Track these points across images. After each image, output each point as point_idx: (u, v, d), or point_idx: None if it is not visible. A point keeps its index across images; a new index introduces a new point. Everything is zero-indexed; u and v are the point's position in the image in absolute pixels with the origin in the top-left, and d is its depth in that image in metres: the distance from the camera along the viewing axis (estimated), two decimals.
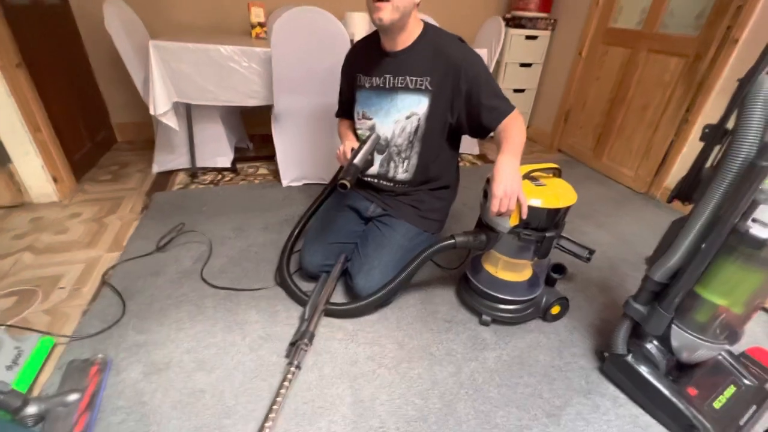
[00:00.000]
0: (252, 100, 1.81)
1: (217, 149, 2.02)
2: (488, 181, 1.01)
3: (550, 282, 1.24)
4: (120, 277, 1.25)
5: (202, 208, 1.69)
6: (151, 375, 0.94)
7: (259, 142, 2.48)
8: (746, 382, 0.88)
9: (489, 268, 1.15)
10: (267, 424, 0.81)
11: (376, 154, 1.20)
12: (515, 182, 0.92)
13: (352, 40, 1.67)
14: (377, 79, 1.14)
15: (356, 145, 1.11)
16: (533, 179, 1.03)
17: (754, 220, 0.71)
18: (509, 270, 1.13)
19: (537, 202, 0.95)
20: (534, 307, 1.15)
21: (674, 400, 0.87)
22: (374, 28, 1.11)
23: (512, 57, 2.70)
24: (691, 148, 1.94)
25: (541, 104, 2.94)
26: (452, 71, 1.06)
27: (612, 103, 2.33)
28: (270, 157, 2.22)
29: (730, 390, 0.88)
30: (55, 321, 1.08)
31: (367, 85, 1.17)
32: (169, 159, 1.99)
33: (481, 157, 2.59)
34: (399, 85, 1.12)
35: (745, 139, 0.69)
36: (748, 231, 0.72)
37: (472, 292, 1.18)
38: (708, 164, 0.85)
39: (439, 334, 1.12)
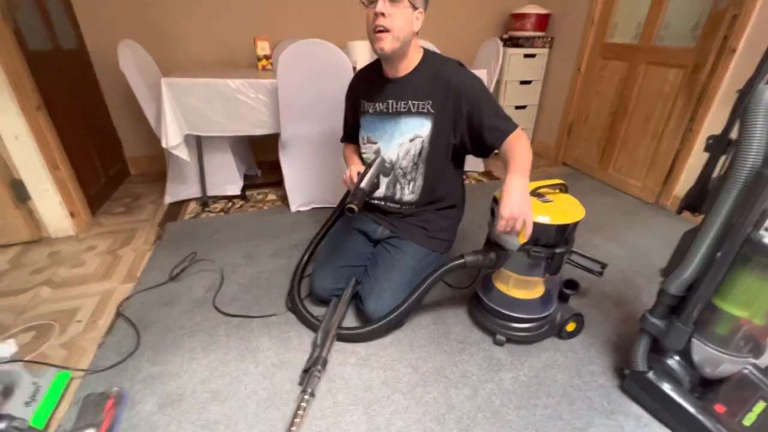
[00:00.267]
0: (260, 129, 1.86)
1: (226, 178, 2.07)
2: (495, 200, 1.02)
3: (563, 298, 1.22)
4: (134, 308, 1.26)
5: (213, 236, 1.72)
6: (166, 407, 0.94)
7: (268, 169, 2.54)
8: None
9: (500, 286, 1.14)
10: None
11: (381, 176, 1.22)
12: (523, 203, 0.91)
13: (354, 68, 1.72)
14: (380, 104, 1.18)
15: (362, 168, 1.13)
16: (540, 196, 1.04)
17: (766, 229, 0.70)
18: (521, 287, 1.12)
19: (545, 219, 0.96)
20: (548, 325, 1.13)
21: (701, 418, 0.84)
22: (376, 56, 1.15)
23: (512, 75, 2.75)
24: (696, 157, 1.93)
25: (543, 119, 2.97)
26: (453, 94, 1.09)
27: (614, 116, 2.34)
28: (278, 183, 2.26)
29: (760, 406, 0.84)
30: (72, 354, 1.09)
31: (370, 111, 1.21)
32: (180, 189, 2.04)
33: (487, 174, 2.61)
34: (402, 110, 1.15)
35: (750, 149, 0.70)
36: (761, 240, 0.71)
37: (485, 311, 1.17)
38: (715, 174, 0.85)
39: (453, 355, 1.11)
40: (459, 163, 1.26)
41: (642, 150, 2.19)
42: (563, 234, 0.99)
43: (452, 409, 0.95)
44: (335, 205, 1.57)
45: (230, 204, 2.07)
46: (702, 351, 0.84)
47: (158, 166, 2.47)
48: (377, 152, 1.21)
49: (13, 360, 1.00)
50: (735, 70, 1.74)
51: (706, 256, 0.79)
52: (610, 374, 1.06)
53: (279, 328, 1.20)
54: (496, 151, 1.11)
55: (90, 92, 2.17)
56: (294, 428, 0.85)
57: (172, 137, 1.71)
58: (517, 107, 2.89)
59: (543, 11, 2.63)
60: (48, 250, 1.60)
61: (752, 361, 0.83)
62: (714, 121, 1.84)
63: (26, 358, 1.06)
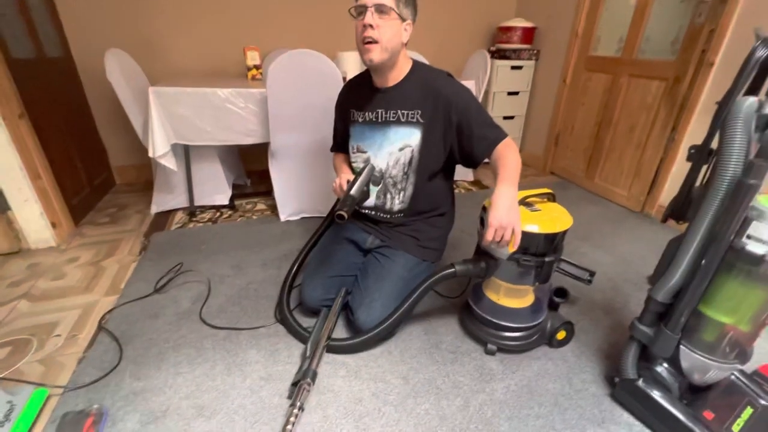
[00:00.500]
0: (249, 138, 1.85)
1: (215, 187, 2.05)
2: (484, 209, 1.03)
3: (553, 307, 1.22)
4: (117, 321, 1.23)
5: (200, 246, 1.69)
6: (149, 424, 0.90)
7: (257, 178, 2.52)
8: (763, 402, 0.86)
9: (491, 295, 1.14)
10: None
11: (372, 186, 1.22)
12: (512, 213, 0.92)
13: (344, 78, 1.73)
14: (370, 113, 1.18)
15: (351, 177, 1.13)
16: (528, 205, 1.04)
17: (749, 237, 0.72)
18: (511, 296, 1.12)
19: (534, 228, 0.96)
20: (539, 334, 1.14)
21: (691, 425, 0.84)
22: (366, 67, 1.16)
23: (499, 86, 2.80)
24: (679, 166, 1.98)
25: (531, 130, 3.02)
26: (443, 104, 1.10)
27: (599, 126, 2.40)
28: (268, 192, 2.25)
29: (748, 411, 0.85)
30: (50, 371, 1.05)
31: (360, 120, 1.21)
32: (167, 199, 2.01)
33: (476, 183, 2.63)
34: (391, 119, 1.15)
35: (730, 158, 0.72)
36: (744, 248, 0.72)
37: (476, 321, 1.17)
38: (698, 183, 0.87)
39: (444, 366, 1.10)
40: (449, 172, 1.27)
41: (627, 159, 2.24)
42: (552, 243, 1.00)
43: (444, 420, 0.93)
44: (325, 215, 1.56)
45: (218, 214, 2.04)
46: (690, 358, 0.85)
47: (145, 176, 2.43)
48: (367, 161, 1.21)
49: None
50: (713, 83, 1.80)
51: (692, 263, 0.81)
52: (601, 382, 1.06)
53: (267, 340, 1.17)
54: (486, 160, 1.12)
55: (75, 101, 2.14)
56: None
57: (159, 146, 1.68)
58: (505, 117, 2.93)
59: (529, 25, 2.70)
60: (27, 262, 1.55)
61: (739, 367, 0.85)
62: (695, 131, 1.90)
63: (1, 376, 1.01)
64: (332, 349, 1.11)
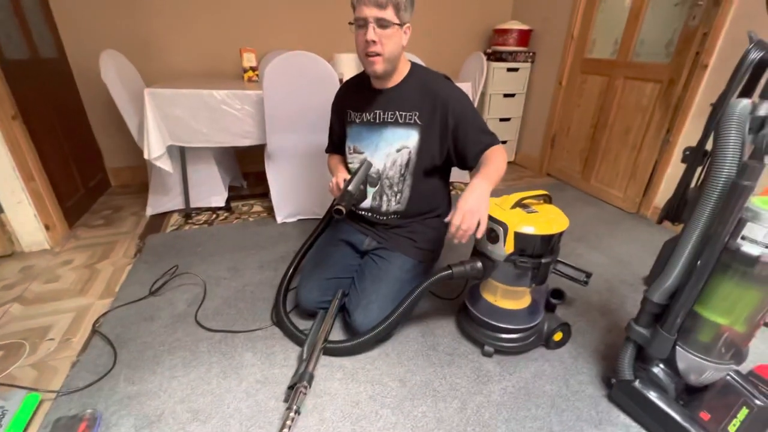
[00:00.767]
0: (245, 140, 1.84)
1: (211, 189, 2.04)
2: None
3: (550, 308, 1.22)
4: (112, 324, 1.22)
5: (196, 249, 1.67)
6: (143, 429, 0.89)
7: (254, 180, 2.51)
8: (758, 402, 0.86)
9: (488, 296, 1.14)
10: None
11: (368, 187, 1.21)
12: (481, 203, 0.95)
13: (341, 80, 1.73)
14: (367, 114, 1.18)
15: (348, 176, 1.13)
16: (525, 207, 1.05)
17: (743, 238, 0.72)
18: (508, 298, 1.12)
19: (530, 230, 0.96)
20: (536, 335, 1.14)
21: (688, 426, 0.85)
22: (363, 68, 1.16)
23: (495, 89, 2.81)
24: (674, 168, 2.00)
25: (527, 131, 3.04)
26: (440, 106, 1.10)
27: (595, 128, 2.41)
28: (264, 194, 2.24)
29: (743, 412, 0.86)
30: (43, 375, 1.03)
31: (357, 121, 1.21)
32: (163, 201, 1.99)
33: None
34: (389, 120, 1.15)
35: (725, 160, 0.72)
36: (739, 249, 0.73)
37: (473, 323, 1.17)
38: (693, 185, 0.87)
39: (441, 368, 1.10)
40: (445, 174, 1.27)
41: (622, 161, 2.25)
42: (549, 244, 1.00)
43: (441, 423, 0.93)
44: (321, 217, 1.56)
45: (214, 216, 2.03)
46: (686, 359, 0.85)
47: (140, 178, 2.42)
48: (363, 161, 1.21)
49: None
50: (708, 85, 1.82)
51: (687, 264, 0.81)
52: (598, 384, 1.06)
53: (264, 342, 1.17)
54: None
55: (70, 102, 2.12)
56: None
57: (154, 148, 1.67)
58: (502, 120, 2.94)
59: (525, 27, 2.71)
60: (20, 265, 1.54)
61: (734, 367, 0.85)
62: (690, 132, 1.91)
63: None
64: (329, 352, 1.10)
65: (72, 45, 2.09)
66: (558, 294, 1.23)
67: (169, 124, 1.72)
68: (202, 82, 1.97)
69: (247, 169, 2.56)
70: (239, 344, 1.16)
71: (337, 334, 1.20)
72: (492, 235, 1.00)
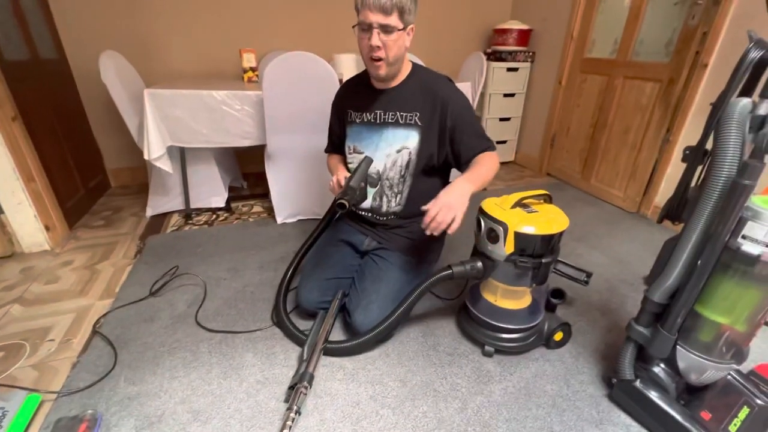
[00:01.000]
0: (245, 140, 1.84)
1: (211, 190, 2.04)
2: (481, 210, 1.03)
3: (550, 308, 1.22)
4: (112, 325, 1.21)
5: (196, 249, 1.67)
6: (144, 430, 0.89)
7: (254, 181, 2.51)
8: (759, 401, 0.86)
9: (488, 296, 1.14)
10: None
11: (369, 187, 1.21)
12: (460, 201, 0.97)
13: (340, 81, 1.73)
14: (368, 114, 1.18)
15: (348, 175, 1.13)
16: (525, 206, 1.05)
17: (744, 237, 0.72)
18: (509, 297, 1.12)
19: (530, 229, 0.96)
20: (537, 335, 1.13)
21: (689, 426, 0.84)
22: (363, 67, 1.16)
23: (495, 88, 2.81)
24: (674, 167, 2.00)
25: (527, 131, 3.03)
26: (440, 107, 1.10)
27: (595, 128, 2.41)
28: (264, 194, 2.24)
29: (744, 411, 0.85)
30: (43, 376, 1.03)
31: (357, 121, 1.21)
32: (163, 201, 1.99)
33: None
34: (389, 120, 1.15)
35: (725, 159, 0.72)
36: (740, 248, 0.73)
37: (473, 323, 1.17)
38: (693, 184, 0.87)
39: (442, 368, 1.09)
40: (445, 174, 1.27)
41: (622, 160, 2.25)
42: (549, 244, 1.00)
43: (442, 423, 0.93)
44: (321, 217, 1.56)
45: (214, 216, 2.03)
46: (687, 358, 0.85)
47: (140, 178, 2.42)
48: (364, 157, 1.20)
49: None
50: (707, 84, 1.81)
51: (688, 264, 0.81)
52: (598, 383, 1.06)
53: (264, 343, 1.16)
54: None
55: (69, 103, 2.12)
56: None
57: (154, 149, 1.67)
58: (501, 119, 2.94)
59: (524, 27, 2.71)
60: (21, 266, 1.54)
61: (735, 367, 0.85)
62: (690, 132, 1.91)
63: None
64: (329, 352, 1.10)
65: (72, 46, 2.09)
66: (558, 294, 1.23)
67: (169, 124, 1.72)
68: (201, 82, 1.97)
69: (247, 170, 2.56)
70: (239, 345, 1.15)
71: (337, 335, 1.20)
72: (492, 235, 1.00)
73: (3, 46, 1.57)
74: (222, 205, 2.07)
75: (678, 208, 0.89)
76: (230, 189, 2.19)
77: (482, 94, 2.75)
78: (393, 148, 1.16)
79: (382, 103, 1.16)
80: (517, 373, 1.08)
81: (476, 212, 1.05)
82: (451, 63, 2.86)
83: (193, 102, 1.70)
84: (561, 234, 1.01)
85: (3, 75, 1.50)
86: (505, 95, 2.87)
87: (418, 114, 1.12)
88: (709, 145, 0.80)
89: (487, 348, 1.13)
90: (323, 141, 1.42)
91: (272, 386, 1.02)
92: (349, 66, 2.02)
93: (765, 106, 0.71)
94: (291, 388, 0.97)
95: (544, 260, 1.00)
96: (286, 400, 0.97)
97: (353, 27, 1.03)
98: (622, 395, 0.97)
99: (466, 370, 1.09)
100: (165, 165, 1.74)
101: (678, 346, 0.86)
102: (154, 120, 1.67)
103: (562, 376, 1.08)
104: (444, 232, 0.98)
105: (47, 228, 1.64)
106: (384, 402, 0.98)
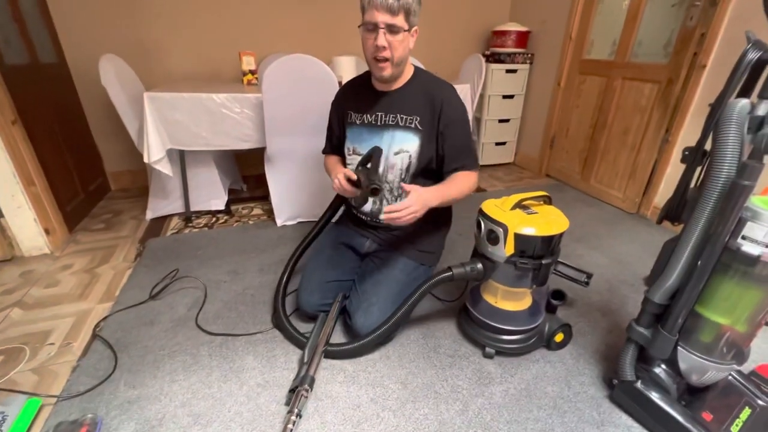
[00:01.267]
0: (245, 143, 1.85)
1: (211, 192, 2.04)
2: (481, 212, 1.03)
3: (551, 309, 1.22)
4: (112, 329, 1.21)
5: (196, 252, 1.67)
6: None
7: (253, 183, 2.51)
8: (760, 402, 0.86)
9: (489, 298, 1.14)
10: None
11: None
12: (424, 208, 1.01)
13: (340, 83, 1.73)
14: (369, 116, 1.18)
15: (350, 172, 1.10)
16: (525, 208, 1.05)
17: (743, 238, 0.72)
18: (509, 299, 1.11)
19: (530, 231, 0.96)
20: (537, 336, 1.13)
21: (690, 426, 0.84)
22: (362, 70, 1.16)
23: (494, 90, 2.81)
24: (674, 168, 2.00)
25: (526, 132, 3.04)
26: (438, 110, 1.10)
27: (594, 128, 2.41)
28: (264, 197, 2.24)
29: (746, 412, 0.85)
30: (43, 380, 1.03)
31: (358, 122, 1.21)
32: (163, 204, 1.99)
33: None
34: (390, 123, 1.15)
35: (724, 160, 0.72)
36: (740, 249, 0.73)
37: (474, 324, 1.16)
38: (692, 185, 0.87)
39: (443, 370, 1.09)
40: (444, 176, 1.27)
41: (622, 161, 2.26)
42: (549, 245, 1.00)
43: (443, 425, 0.93)
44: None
45: (214, 219, 2.03)
46: (688, 359, 0.85)
47: (140, 181, 2.42)
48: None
49: None
50: (706, 85, 1.82)
51: (688, 264, 0.81)
52: (599, 384, 1.06)
53: (264, 346, 1.16)
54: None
55: (69, 106, 2.13)
56: None
57: (154, 152, 1.67)
58: (501, 121, 2.95)
59: (523, 29, 2.72)
60: (20, 270, 1.54)
61: (736, 367, 0.85)
62: (689, 132, 1.91)
63: None
64: (330, 355, 1.10)
65: (71, 49, 2.10)
66: (559, 295, 1.23)
67: (169, 127, 1.72)
68: (201, 85, 1.97)
69: (246, 172, 2.56)
70: (240, 348, 1.15)
71: (338, 337, 1.20)
72: (492, 237, 1.00)
73: (3, 50, 1.58)
74: (222, 207, 2.07)
75: (677, 209, 0.89)
76: (230, 191, 2.19)
77: (481, 96, 2.75)
78: (392, 151, 1.16)
79: (384, 104, 1.16)
80: (518, 374, 1.08)
81: (476, 214, 1.05)
82: (450, 65, 2.87)
83: (193, 105, 1.71)
84: (561, 235, 1.01)
85: (3, 79, 1.50)
86: (504, 97, 2.87)
87: (418, 118, 1.13)
88: (708, 146, 0.80)
89: (487, 350, 1.12)
90: (323, 143, 1.42)
91: (273, 389, 1.01)
92: (349, 68, 2.03)
93: (763, 106, 0.71)
94: (292, 391, 0.97)
95: (544, 261, 1.00)
96: (287, 403, 0.97)
97: (359, 27, 1.04)
98: (623, 396, 0.97)
99: (467, 371, 1.09)
100: (165, 168, 1.74)
101: (679, 347, 0.85)
102: (154, 123, 1.67)
103: (563, 378, 1.08)
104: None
105: (47, 231, 1.64)
106: (385, 404, 0.98)
